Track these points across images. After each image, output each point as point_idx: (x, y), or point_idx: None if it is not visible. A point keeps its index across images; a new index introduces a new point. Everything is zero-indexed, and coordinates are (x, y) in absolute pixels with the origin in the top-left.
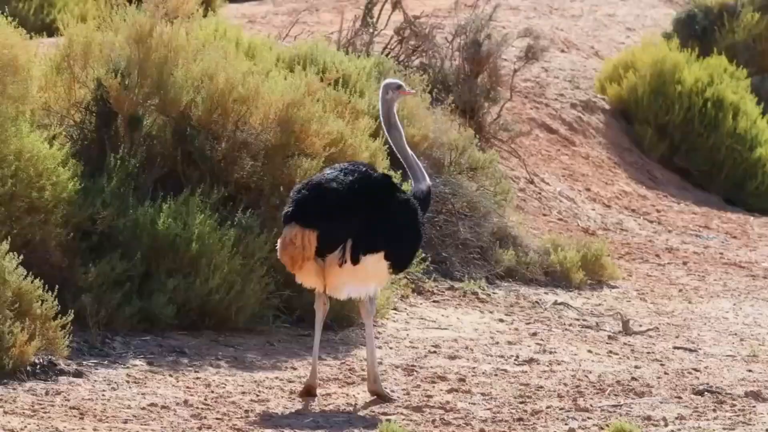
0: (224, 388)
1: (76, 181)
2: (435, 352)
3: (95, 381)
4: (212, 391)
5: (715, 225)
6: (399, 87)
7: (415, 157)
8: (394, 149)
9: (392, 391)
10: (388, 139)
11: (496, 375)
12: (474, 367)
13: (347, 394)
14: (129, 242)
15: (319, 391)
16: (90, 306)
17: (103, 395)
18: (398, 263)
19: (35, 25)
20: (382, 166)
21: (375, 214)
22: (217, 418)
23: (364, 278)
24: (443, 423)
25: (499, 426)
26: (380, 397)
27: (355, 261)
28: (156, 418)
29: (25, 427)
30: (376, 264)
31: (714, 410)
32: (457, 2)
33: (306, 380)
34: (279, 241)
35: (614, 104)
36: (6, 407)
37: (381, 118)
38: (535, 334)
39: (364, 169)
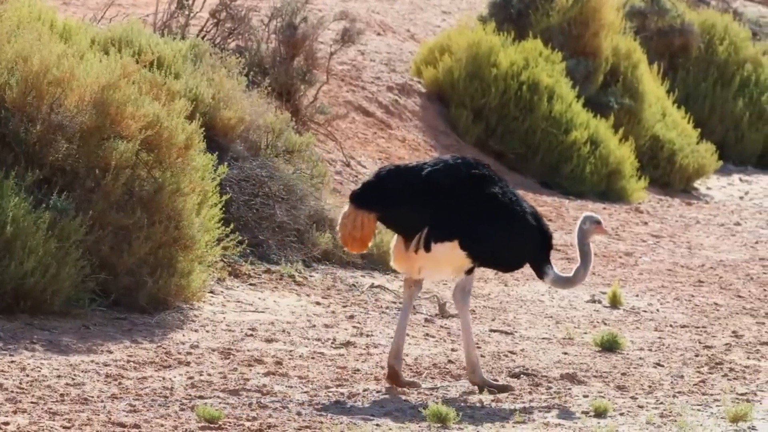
0: (39, 371)
1: None
2: (252, 335)
3: None
4: (27, 375)
5: None
6: (598, 223)
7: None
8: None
9: (208, 374)
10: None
11: (313, 358)
12: (291, 351)
13: (164, 378)
14: None
15: (135, 374)
16: None
17: None
18: (479, 255)
19: None
20: (199, 149)
21: (453, 205)
22: (32, 402)
23: (438, 265)
24: (260, 406)
25: (316, 409)
26: (483, 388)
27: (428, 248)
28: None
29: None
30: (449, 253)
31: (530, 392)
32: None
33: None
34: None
35: (430, 87)
36: None
37: (576, 242)
38: (352, 317)
39: (455, 162)
